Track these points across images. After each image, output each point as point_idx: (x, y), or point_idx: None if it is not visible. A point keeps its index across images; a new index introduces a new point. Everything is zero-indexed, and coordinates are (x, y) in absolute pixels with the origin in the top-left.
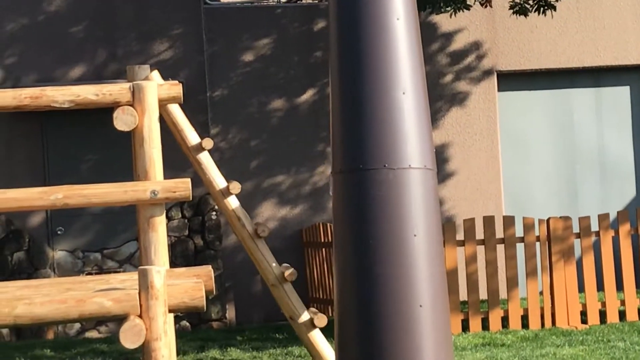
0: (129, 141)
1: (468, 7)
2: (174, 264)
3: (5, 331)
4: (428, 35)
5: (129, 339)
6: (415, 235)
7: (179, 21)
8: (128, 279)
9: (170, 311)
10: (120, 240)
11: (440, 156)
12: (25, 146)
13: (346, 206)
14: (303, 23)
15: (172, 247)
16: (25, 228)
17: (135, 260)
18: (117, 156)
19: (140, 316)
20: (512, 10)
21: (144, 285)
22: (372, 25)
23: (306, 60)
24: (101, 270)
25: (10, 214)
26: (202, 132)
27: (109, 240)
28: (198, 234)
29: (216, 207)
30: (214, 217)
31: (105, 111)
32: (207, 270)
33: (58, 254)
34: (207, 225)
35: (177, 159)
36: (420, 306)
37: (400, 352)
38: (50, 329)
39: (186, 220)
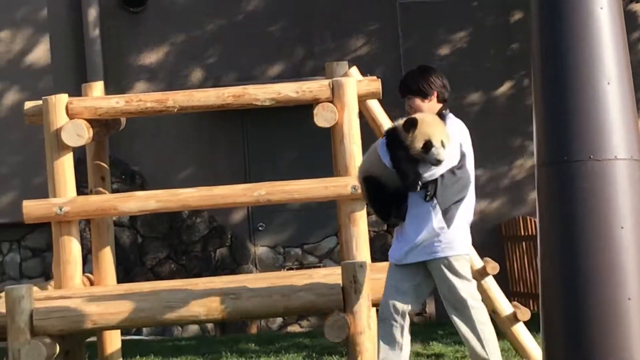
0: (327, 137)
1: None
2: (373, 258)
3: (210, 326)
4: (628, 24)
5: (333, 333)
6: (622, 228)
7: (375, 17)
8: (331, 274)
9: (373, 305)
10: (320, 236)
11: None
12: (227, 144)
13: (551, 199)
14: (499, 15)
15: (371, 241)
16: (228, 224)
17: (335, 255)
18: (316, 152)
19: (343, 310)
20: None
21: (347, 279)
22: (575, 15)
23: (503, 52)
24: (302, 266)
25: (213, 211)
26: None
27: (309, 235)
28: None
29: None
30: None
31: (304, 108)
32: None
33: (259, 250)
34: None
35: None
36: (629, 299)
37: (608, 346)
38: (253, 323)
39: None
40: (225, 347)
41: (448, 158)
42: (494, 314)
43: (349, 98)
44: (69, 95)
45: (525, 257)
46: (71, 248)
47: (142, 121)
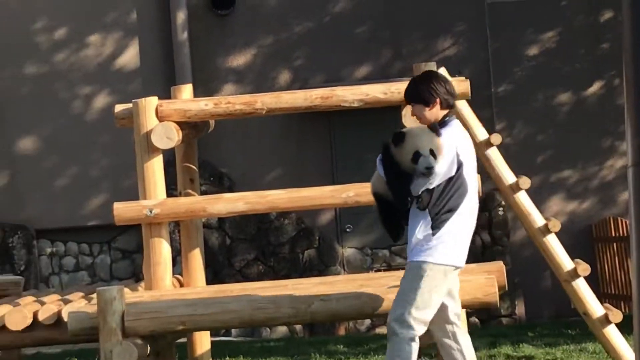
0: None
1: None
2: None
3: (298, 327)
4: None
5: (424, 334)
6: None
7: (463, 18)
8: None
9: (463, 307)
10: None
11: None
12: (314, 145)
13: None
14: (589, 14)
15: None
16: (315, 226)
17: None
18: None
19: None
20: None
21: None
22: None
23: (592, 52)
24: (389, 267)
25: (301, 213)
26: (487, 128)
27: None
28: (485, 230)
29: (503, 203)
30: (500, 213)
31: (392, 109)
32: (499, 266)
33: (347, 251)
34: (494, 221)
35: None
36: None
37: None
38: (342, 325)
39: None
40: (313, 349)
41: (442, 168)
42: (585, 315)
43: None
44: (158, 98)
45: (617, 258)
46: (161, 249)
47: (231, 123)
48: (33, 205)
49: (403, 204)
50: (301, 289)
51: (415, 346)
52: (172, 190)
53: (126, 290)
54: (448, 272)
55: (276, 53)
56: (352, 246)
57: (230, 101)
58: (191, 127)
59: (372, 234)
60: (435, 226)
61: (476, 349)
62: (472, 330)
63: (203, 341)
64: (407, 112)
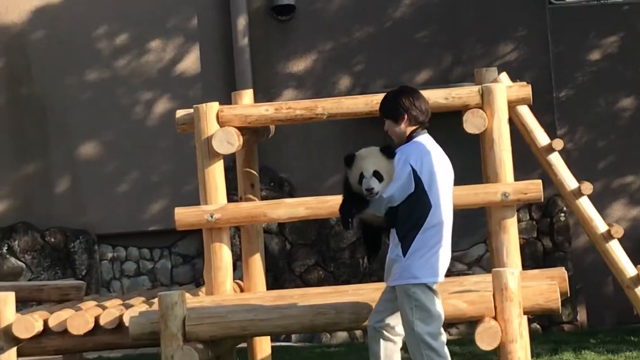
0: (475, 144)
1: None
2: (524, 266)
3: (358, 332)
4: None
5: (485, 340)
6: None
7: (524, 22)
8: (481, 281)
9: (524, 313)
10: (468, 243)
11: None
12: None
13: None
14: None
15: (521, 249)
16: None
17: (484, 263)
18: (462, 159)
19: (495, 318)
20: None
21: (498, 287)
22: None
23: None
24: (450, 273)
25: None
26: (549, 133)
27: (457, 242)
28: (546, 235)
29: (565, 208)
30: (562, 218)
31: (452, 114)
32: (561, 272)
33: None
34: (555, 226)
35: (525, 160)
36: None
37: None
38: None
39: (534, 222)
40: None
41: (392, 188)
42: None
43: (499, 104)
44: (219, 104)
45: None
46: (222, 254)
47: (290, 128)
48: (94, 210)
49: (345, 224)
50: (362, 295)
51: (446, 351)
52: (232, 195)
53: (187, 295)
54: (429, 286)
55: (336, 58)
56: None
57: (291, 106)
58: (252, 132)
59: None
60: (404, 246)
61: (537, 355)
62: (534, 337)
63: (263, 346)
64: (467, 118)
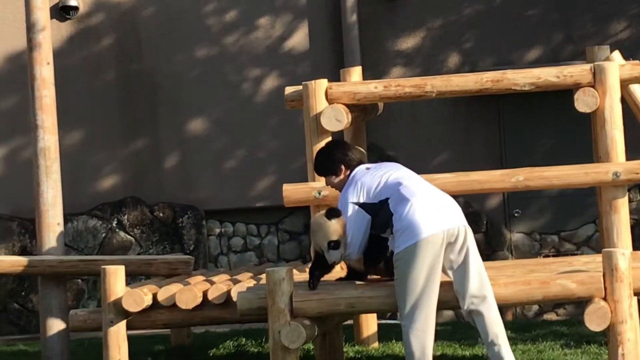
0: (584, 123)
1: None
2: (634, 247)
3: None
4: None
5: (594, 321)
6: None
7: (636, 0)
8: (591, 262)
9: (635, 294)
10: (577, 223)
11: None
12: (483, 129)
13: None
14: None
15: (632, 229)
16: (483, 210)
17: (593, 243)
18: (572, 138)
19: (604, 299)
20: None
21: (609, 267)
22: None
23: None
24: (558, 253)
25: (469, 196)
26: None
27: (566, 222)
28: None
29: None
30: None
31: (563, 93)
32: None
33: (515, 236)
34: None
35: (637, 140)
36: None
37: None
38: (509, 310)
39: None
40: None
41: (355, 233)
42: None
43: (611, 83)
44: (327, 81)
45: None
46: None
47: (398, 106)
48: (202, 186)
49: (309, 285)
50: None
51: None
52: None
53: (294, 271)
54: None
55: (445, 36)
56: (520, 231)
57: (400, 84)
58: (360, 109)
59: (541, 218)
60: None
61: None
62: None
63: (370, 323)
64: (579, 96)
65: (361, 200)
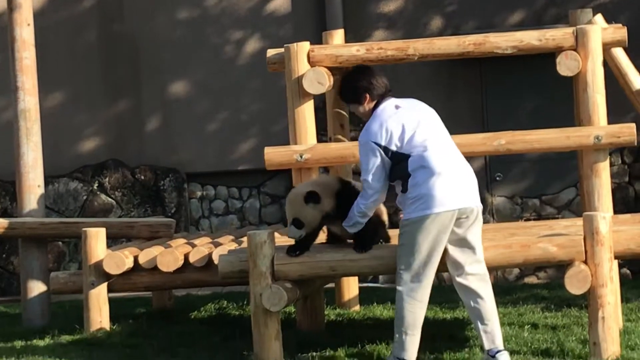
0: (567, 87)
1: None
2: (615, 210)
3: (446, 275)
4: None
5: (575, 284)
6: None
7: None
8: (572, 225)
9: (615, 257)
10: (559, 187)
11: None
12: (465, 93)
13: None
14: None
15: (612, 193)
16: None
17: (574, 207)
18: (555, 102)
19: (585, 262)
20: None
21: (589, 231)
22: None
23: None
24: (539, 217)
25: None
26: None
27: (547, 186)
28: (639, 180)
29: None
30: None
31: (545, 56)
32: None
33: (496, 200)
34: None
35: (618, 104)
36: None
37: None
38: (490, 274)
39: (626, 167)
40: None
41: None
42: None
43: (593, 46)
44: (310, 44)
45: None
46: None
47: (380, 69)
48: (184, 149)
49: (288, 253)
50: None
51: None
52: (322, 135)
53: (276, 234)
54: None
55: None
56: (501, 195)
57: (382, 47)
58: (342, 72)
59: (523, 182)
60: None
61: (627, 300)
62: (624, 282)
63: (351, 287)
64: (561, 60)
65: (383, 144)
